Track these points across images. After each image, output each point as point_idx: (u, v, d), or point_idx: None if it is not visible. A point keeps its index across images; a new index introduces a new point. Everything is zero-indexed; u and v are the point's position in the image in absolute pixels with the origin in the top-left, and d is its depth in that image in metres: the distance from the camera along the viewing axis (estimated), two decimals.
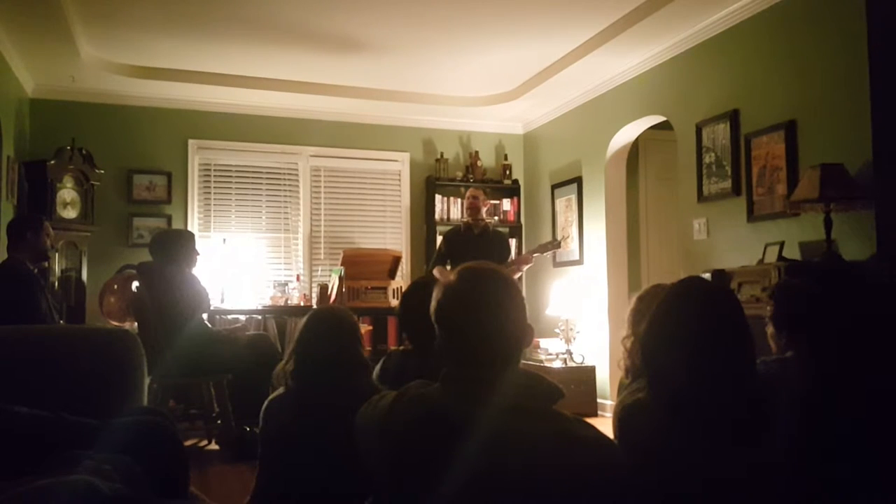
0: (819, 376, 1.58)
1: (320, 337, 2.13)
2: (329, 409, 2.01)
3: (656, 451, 1.41)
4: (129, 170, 5.70)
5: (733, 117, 4.07)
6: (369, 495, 1.99)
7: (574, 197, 5.76)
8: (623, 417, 1.53)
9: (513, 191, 6.59)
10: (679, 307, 1.49)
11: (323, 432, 1.98)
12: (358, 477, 1.94)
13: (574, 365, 5.34)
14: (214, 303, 4.81)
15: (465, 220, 5.09)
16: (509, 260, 4.98)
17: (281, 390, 2.16)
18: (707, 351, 1.41)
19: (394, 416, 1.28)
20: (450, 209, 6.33)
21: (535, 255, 4.90)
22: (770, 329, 2.01)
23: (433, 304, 1.31)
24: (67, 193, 5.16)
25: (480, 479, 1.14)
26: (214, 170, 6.01)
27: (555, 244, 4.99)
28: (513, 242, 6.29)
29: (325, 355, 2.10)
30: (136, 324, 4.13)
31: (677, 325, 1.46)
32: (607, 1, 4.15)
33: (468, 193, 5.05)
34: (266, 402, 2.17)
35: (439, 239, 5.56)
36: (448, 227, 5.71)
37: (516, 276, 4.97)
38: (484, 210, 5.01)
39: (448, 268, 4.86)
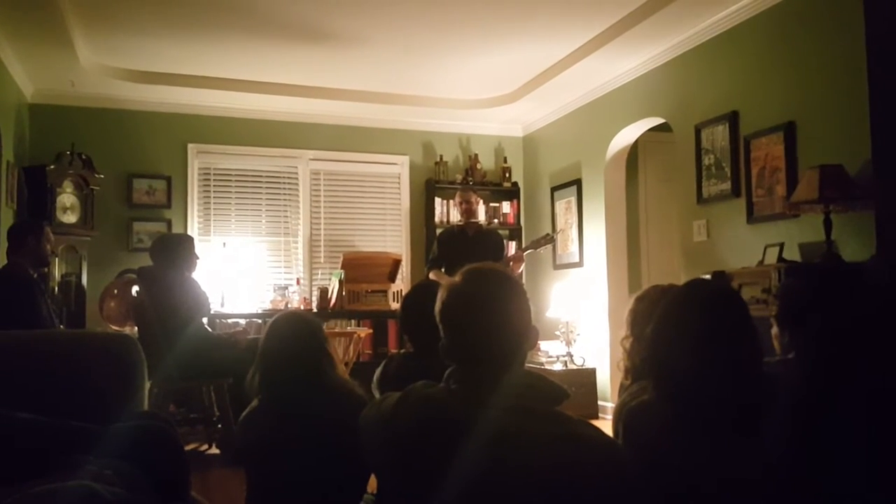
0: (821, 377, 1.58)
1: (282, 342, 2.10)
2: (302, 414, 2.00)
3: (661, 451, 1.41)
4: (129, 174, 5.70)
5: (732, 119, 4.07)
6: (359, 496, 1.99)
7: (574, 199, 5.77)
8: (628, 419, 1.53)
9: (512, 193, 6.59)
10: (684, 308, 1.50)
11: (300, 439, 1.96)
12: (343, 478, 1.94)
13: (575, 367, 5.34)
14: (215, 307, 4.81)
15: (459, 222, 5.05)
16: (502, 261, 4.95)
17: (255, 403, 2.15)
18: (712, 351, 1.42)
19: (398, 417, 1.28)
20: (450, 212, 6.32)
21: (527, 251, 4.87)
22: (774, 329, 2.01)
23: (438, 304, 1.31)
24: (67, 198, 5.16)
25: (484, 479, 1.14)
26: (214, 174, 6.01)
27: (548, 238, 4.92)
28: (512, 245, 6.28)
29: (289, 360, 2.07)
30: (136, 328, 4.13)
31: (683, 325, 1.47)
32: (606, 3, 4.16)
33: (460, 198, 4.95)
34: (241, 417, 2.16)
35: (436, 239, 5.53)
36: (444, 228, 5.69)
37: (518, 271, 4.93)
38: (480, 209, 4.95)
39: (443, 270, 4.84)
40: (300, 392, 2.04)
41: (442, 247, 4.90)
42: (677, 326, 1.48)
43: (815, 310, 1.90)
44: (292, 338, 2.11)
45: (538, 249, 4.95)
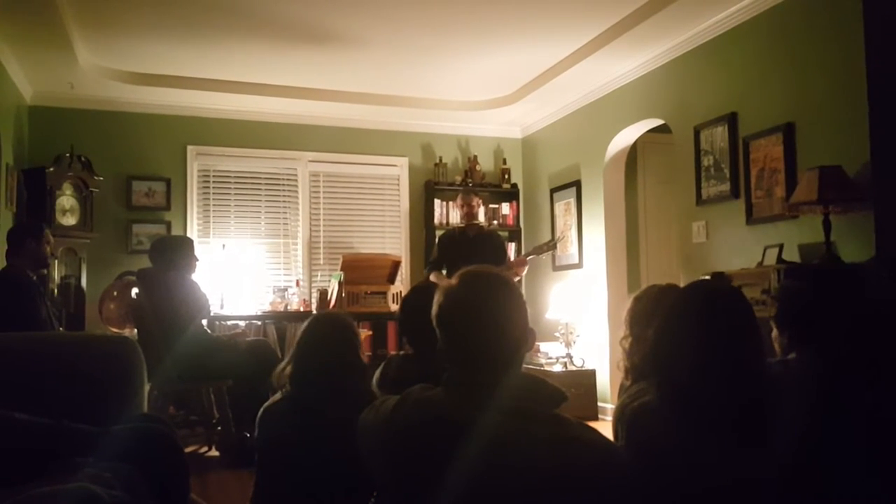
0: (822, 377, 1.57)
1: (319, 343, 2.14)
2: (326, 414, 2.01)
3: (665, 451, 1.41)
4: (128, 176, 5.70)
5: (731, 120, 4.08)
6: (369, 499, 2.00)
7: (573, 200, 5.77)
8: (630, 420, 1.53)
9: (512, 195, 6.59)
10: (687, 309, 1.49)
11: (320, 437, 1.98)
12: (357, 480, 1.95)
13: (574, 368, 5.34)
14: (214, 309, 4.81)
15: (459, 224, 5.07)
16: (505, 264, 4.96)
17: (277, 396, 2.16)
18: (715, 352, 1.41)
19: (396, 420, 1.29)
20: (449, 213, 6.32)
21: (530, 257, 4.88)
22: (773, 331, 2.01)
23: (434, 307, 1.31)
24: (66, 200, 5.16)
25: (482, 482, 1.14)
26: (213, 176, 6.01)
27: (550, 245, 4.96)
28: (512, 247, 6.28)
29: (323, 361, 2.10)
30: (135, 330, 4.13)
31: (686, 326, 1.46)
32: (605, 4, 4.17)
33: (460, 202, 4.98)
34: (262, 409, 2.16)
35: (436, 242, 5.54)
36: (444, 231, 5.69)
37: (514, 280, 4.96)
38: (480, 211, 4.97)
39: (444, 273, 4.85)
40: (328, 392, 2.06)
41: (442, 249, 4.91)
42: (681, 327, 1.48)
43: (816, 312, 1.90)
44: (331, 338, 2.14)
45: (540, 255, 4.97)
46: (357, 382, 2.12)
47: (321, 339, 2.14)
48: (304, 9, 4.21)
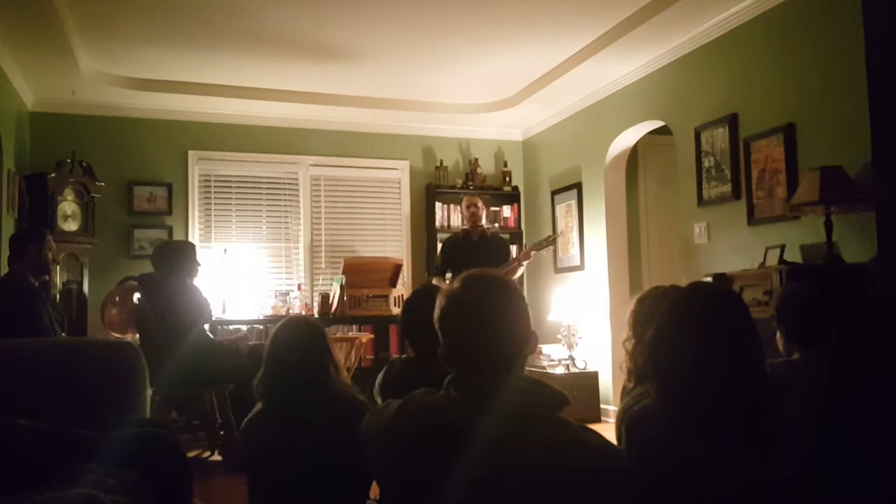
0: (825, 378, 1.57)
1: (286, 348, 2.09)
2: (304, 420, 1.99)
3: (665, 455, 1.41)
4: (130, 181, 5.71)
5: (732, 121, 4.08)
6: (363, 500, 1.99)
7: (574, 202, 5.77)
8: (630, 423, 1.53)
9: (513, 197, 6.59)
10: (685, 311, 1.49)
11: (302, 445, 1.96)
12: (345, 485, 1.94)
13: (577, 371, 5.33)
14: (216, 313, 4.81)
15: (463, 227, 5.09)
16: (510, 258, 4.98)
17: (258, 407, 2.15)
18: (713, 354, 1.41)
19: (399, 424, 1.29)
20: (450, 216, 6.33)
21: (533, 252, 4.90)
22: (777, 332, 2.01)
23: (436, 311, 1.31)
24: (68, 206, 5.16)
25: (485, 486, 1.14)
26: (215, 180, 6.02)
27: (550, 240, 4.98)
28: (513, 249, 6.28)
29: (293, 366, 2.06)
30: (137, 335, 4.13)
31: (684, 328, 1.46)
32: (605, 6, 4.17)
33: (466, 203, 5.04)
34: (244, 421, 2.15)
35: (440, 246, 5.55)
36: (448, 235, 5.71)
37: (518, 274, 4.97)
38: (483, 215, 5.00)
39: (449, 276, 4.86)
40: (303, 398, 2.04)
41: (446, 254, 4.93)
42: (678, 330, 1.48)
43: (820, 313, 1.90)
44: (297, 343, 2.10)
45: (541, 251, 4.98)
46: (331, 384, 2.10)
47: (287, 347, 2.09)
48: (304, 13, 4.21)
